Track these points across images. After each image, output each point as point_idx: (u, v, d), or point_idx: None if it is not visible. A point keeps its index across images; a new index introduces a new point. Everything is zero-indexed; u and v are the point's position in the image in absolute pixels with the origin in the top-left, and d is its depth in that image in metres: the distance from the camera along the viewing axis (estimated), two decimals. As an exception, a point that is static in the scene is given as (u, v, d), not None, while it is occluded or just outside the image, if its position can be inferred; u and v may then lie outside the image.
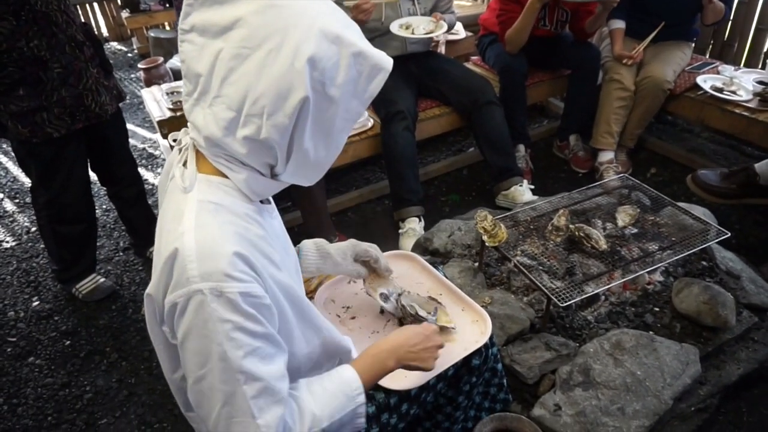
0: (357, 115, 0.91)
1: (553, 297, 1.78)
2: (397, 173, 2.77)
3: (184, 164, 0.93)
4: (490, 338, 1.42)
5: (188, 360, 0.86)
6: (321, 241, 1.35)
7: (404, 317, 1.40)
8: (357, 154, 2.89)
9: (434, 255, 2.35)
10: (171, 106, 2.92)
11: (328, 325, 1.10)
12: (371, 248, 1.39)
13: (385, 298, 1.41)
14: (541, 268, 2.04)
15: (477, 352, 1.38)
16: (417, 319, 1.37)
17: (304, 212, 2.72)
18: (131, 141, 3.26)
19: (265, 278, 0.89)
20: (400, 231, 2.78)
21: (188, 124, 0.94)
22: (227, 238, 0.86)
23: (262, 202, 0.99)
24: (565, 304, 1.78)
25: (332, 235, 2.73)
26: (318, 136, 0.89)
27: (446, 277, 1.59)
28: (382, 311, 1.45)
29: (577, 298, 1.82)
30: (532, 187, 2.99)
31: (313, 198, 2.63)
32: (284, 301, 0.96)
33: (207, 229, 0.85)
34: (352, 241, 1.39)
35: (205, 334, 0.83)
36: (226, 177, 0.91)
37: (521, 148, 3.23)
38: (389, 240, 2.81)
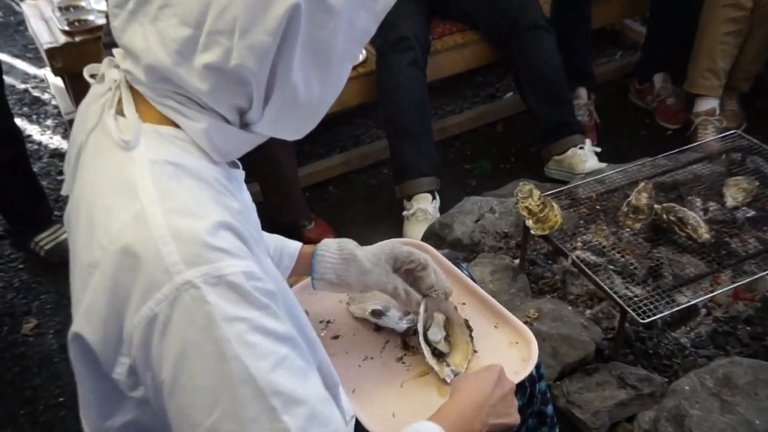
0: (365, 34, 0.94)
1: (630, 310, 1.77)
2: (400, 130, 2.78)
3: (118, 111, 0.94)
4: (537, 369, 1.43)
5: (189, 404, 0.86)
6: (345, 241, 1.41)
7: (408, 340, 1.45)
8: (342, 102, 2.86)
9: (454, 248, 2.33)
10: (67, 28, 2.88)
11: (321, 346, 1.15)
12: (419, 252, 1.43)
13: (379, 315, 1.46)
14: (612, 267, 2.02)
15: (518, 388, 1.39)
16: (426, 364, 1.39)
17: (264, 185, 2.72)
18: (6, 79, 3.21)
19: (259, 258, 0.93)
20: (405, 213, 2.79)
21: (116, 50, 0.96)
22: (204, 205, 0.89)
23: (229, 165, 1.02)
24: (648, 320, 1.76)
25: (305, 219, 2.74)
26: (311, 64, 0.91)
27: (473, 280, 1.59)
28: (378, 327, 1.49)
29: (666, 312, 1.79)
30: (598, 149, 2.98)
31: (278, 164, 2.62)
32: (281, 298, 0.99)
33: (177, 199, 0.88)
34: (392, 241, 1.44)
35: (209, 350, 0.84)
36: (177, 126, 0.94)
37: (582, 93, 3.22)
38: (389, 227, 2.81)
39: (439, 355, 1.40)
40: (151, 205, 0.86)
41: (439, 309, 1.45)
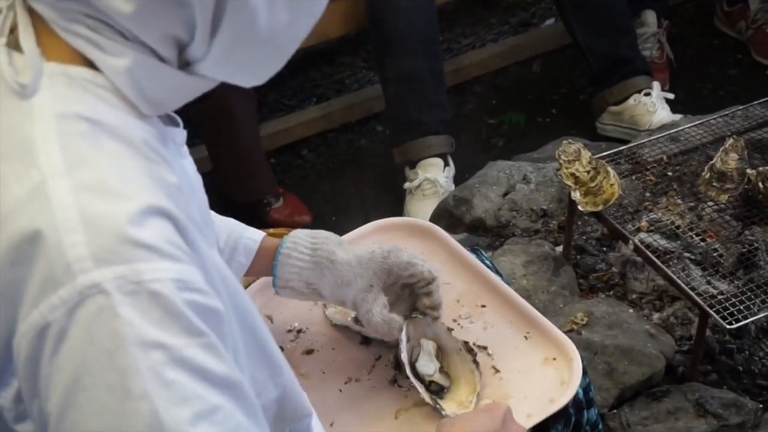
0: None
1: (713, 312, 1.77)
2: (399, 71, 2.78)
3: (12, 44, 0.93)
4: (585, 392, 1.45)
5: None
6: (323, 236, 1.43)
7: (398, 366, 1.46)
8: (320, 33, 2.87)
9: (474, 231, 2.34)
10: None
11: (287, 365, 1.15)
12: (422, 263, 1.44)
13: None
14: (689, 255, 2.02)
15: (557, 419, 1.39)
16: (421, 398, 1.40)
17: (215, 149, 2.72)
18: None
19: (204, 259, 0.93)
20: (407, 186, 2.81)
21: None
22: (131, 180, 0.88)
23: (164, 121, 1.02)
24: (738, 326, 1.77)
25: (270, 194, 2.75)
26: None
27: (498, 275, 1.60)
28: (366, 341, 1.50)
29: (761, 315, 1.80)
30: (671, 96, 2.98)
31: (233, 121, 2.63)
32: (230, 310, 0.98)
33: (92, 170, 0.87)
34: (389, 247, 1.44)
35: (110, 381, 0.83)
36: (93, 66, 0.93)
37: (650, 18, 3.22)
38: (385, 204, 2.82)
39: (437, 391, 1.42)
40: (54, 177, 0.85)
41: (425, 334, 1.45)
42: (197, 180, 1.13)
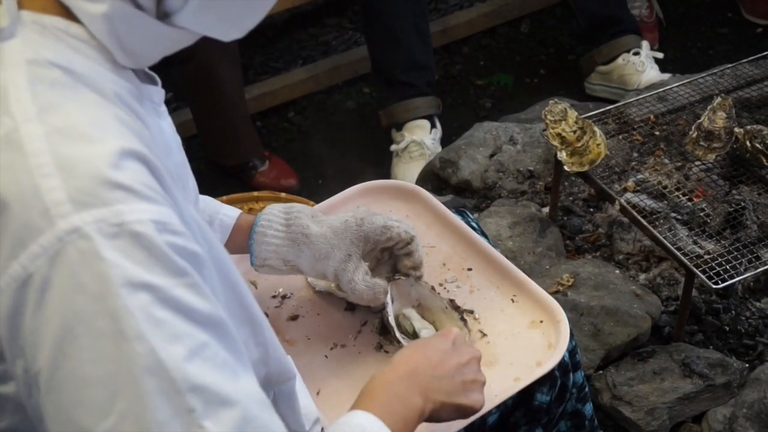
0: None
1: (699, 272, 1.78)
2: (384, 31, 2.78)
3: None
4: (571, 354, 1.46)
5: (75, 402, 0.84)
6: (296, 209, 1.43)
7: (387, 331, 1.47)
8: None
9: (461, 193, 2.35)
10: None
11: (270, 326, 1.16)
12: (397, 224, 1.44)
13: None
14: (675, 215, 2.03)
15: (543, 380, 1.40)
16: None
17: (199, 111, 2.72)
18: None
19: (180, 207, 0.93)
20: (393, 148, 2.81)
21: None
22: (104, 125, 0.88)
23: (141, 78, 1.02)
24: (724, 285, 1.77)
25: (255, 157, 2.75)
26: None
27: (485, 237, 1.60)
28: (350, 307, 1.51)
29: (748, 275, 1.80)
30: (660, 55, 2.97)
31: (217, 82, 2.62)
32: (209, 260, 0.98)
33: (64, 115, 0.87)
34: (361, 213, 1.44)
35: (103, 327, 0.83)
36: (70, 17, 0.92)
37: (639, -24, 3.21)
38: (372, 166, 2.82)
39: None
40: (27, 123, 0.85)
41: (409, 295, 1.46)
42: (175, 141, 1.14)
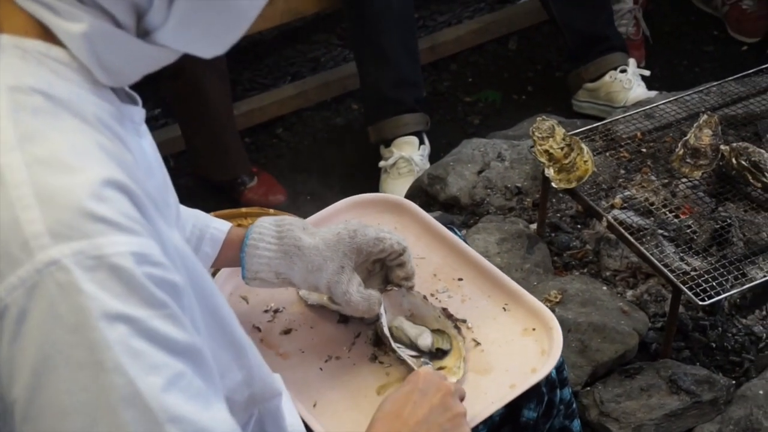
0: None
1: (686, 289, 1.78)
2: (373, 48, 2.78)
3: None
4: (558, 371, 1.46)
5: None
6: (287, 222, 1.43)
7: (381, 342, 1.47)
8: (294, 10, 2.87)
9: (449, 210, 2.35)
10: None
11: (254, 347, 1.16)
12: (389, 236, 1.44)
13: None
14: (662, 232, 2.03)
15: (531, 395, 1.40)
16: (408, 367, 1.41)
17: (187, 128, 2.73)
18: None
19: (161, 235, 0.93)
20: (382, 164, 2.82)
21: None
22: (86, 154, 0.88)
23: (121, 99, 1.01)
24: (711, 302, 1.78)
25: (244, 173, 2.75)
26: None
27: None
28: (344, 319, 1.51)
29: (734, 291, 1.81)
30: (647, 72, 2.99)
31: (206, 98, 2.63)
32: (189, 288, 0.97)
33: (46, 144, 0.86)
34: (354, 225, 1.44)
35: (81, 358, 0.83)
36: (50, 39, 0.92)
37: (626, -6, 3.23)
38: (360, 182, 2.81)
39: (438, 356, 1.43)
40: (7, 152, 0.85)
41: (402, 305, 1.46)
42: (157, 161, 1.13)
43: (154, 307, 0.86)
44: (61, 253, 0.82)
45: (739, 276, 1.87)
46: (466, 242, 1.63)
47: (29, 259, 0.82)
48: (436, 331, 1.45)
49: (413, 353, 1.43)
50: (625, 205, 2.10)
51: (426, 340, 1.44)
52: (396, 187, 2.70)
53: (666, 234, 2.03)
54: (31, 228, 0.82)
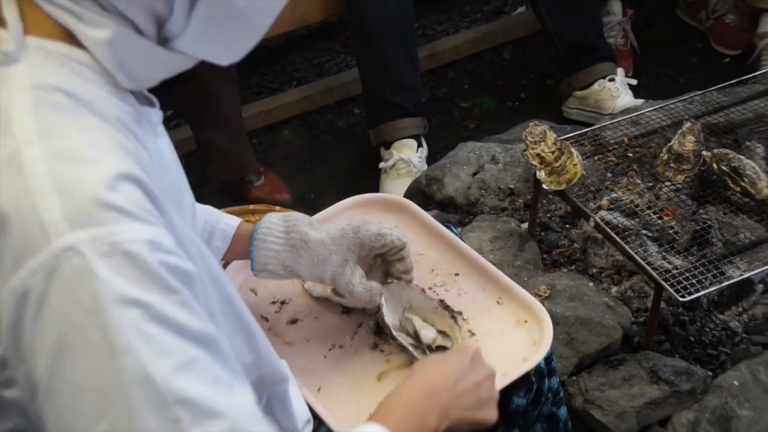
0: None
1: (667, 286, 1.80)
2: (374, 56, 2.82)
3: None
4: (547, 361, 1.47)
5: (70, 409, 0.85)
6: (294, 217, 1.43)
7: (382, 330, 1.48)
8: (300, 18, 2.89)
9: (445, 209, 2.37)
10: None
11: (263, 334, 1.17)
12: (390, 232, 1.46)
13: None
14: (646, 232, 2.07)
15: (521, 383, 1.41)
16: (409, 354, 1.44)
17: (198, 129, 2.75)
18: None
19: (175, 227, 0.93)
20: (382, 166, 2.85)
21: None
22: (102, 148, 0.88)
23: (140, 101, 1.02)
24: (690, 299, 1.81)
25: (252, 172, 2.78)
26: None
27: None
28: (346, 310, 1.53)
29: (713, 289, 1.85)
30: (634, 81, 3.04)
31: (216, 102, 2.65)
32: (205, 276, 0.98)
33: (64, 138, 0.87)
34: (357, 221, 1.45)
35: (95, 340, 0.83)
36: (73, 42, 0.93)
37: (616, 7, 3.27)
38: (362, 183, 2.83)
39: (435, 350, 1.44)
40: (28, 145, 0.85)
41: (401, 297, 1.49)
42: (173, 160, 1.13)
43: (167, 293, 0.86)
44: (77, 239, 0.82)
45: (718, 274, 1.89)
46: (462, 240, 1.66)
47: (47, 245, 0.82)
48: (441, 333, 1.46)
49: (413, 342, 1.44)
50: (612, 206, 2.14)
51: (429, 333, 1.44)
52: (395, 188, 2.73)
53: (650, 234, 2.07)
54: (49, 215, 0.83)
